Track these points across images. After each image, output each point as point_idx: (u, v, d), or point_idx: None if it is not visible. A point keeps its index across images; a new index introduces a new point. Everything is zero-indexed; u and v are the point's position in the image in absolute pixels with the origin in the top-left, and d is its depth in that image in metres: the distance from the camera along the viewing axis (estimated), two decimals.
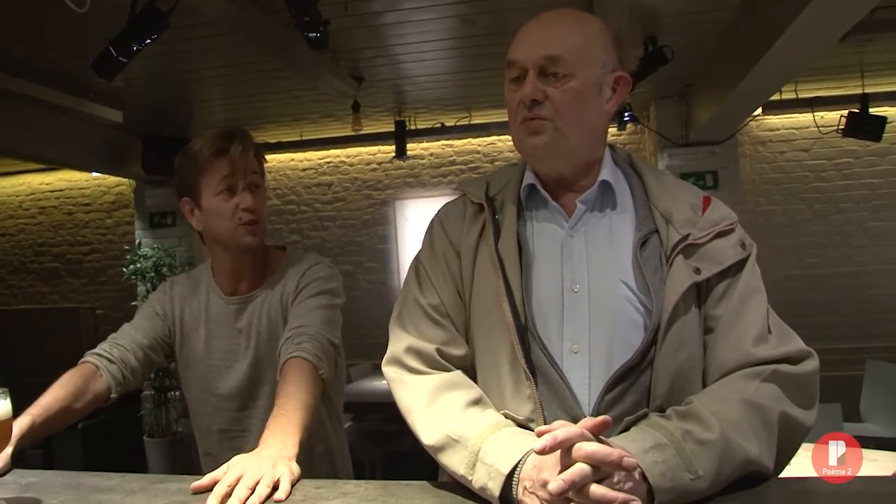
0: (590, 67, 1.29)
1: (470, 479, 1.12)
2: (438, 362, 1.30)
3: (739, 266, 1.27)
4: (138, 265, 6.24)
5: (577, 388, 1.22)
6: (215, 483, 1.22)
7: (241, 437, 1.92)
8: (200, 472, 1.27)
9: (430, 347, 1.30)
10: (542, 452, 0.98)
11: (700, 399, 1.15)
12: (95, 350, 1.85)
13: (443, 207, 1.48)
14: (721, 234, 1.27)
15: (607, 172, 1.35)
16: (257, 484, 1.20)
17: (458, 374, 1.29)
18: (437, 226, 1.44)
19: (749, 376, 1.17)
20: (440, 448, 1.19)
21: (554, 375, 1.22)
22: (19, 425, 1.46)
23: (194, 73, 5.00)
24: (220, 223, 1.88)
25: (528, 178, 1.37)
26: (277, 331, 1.88)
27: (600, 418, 1.03)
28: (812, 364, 1.22)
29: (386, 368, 1.34)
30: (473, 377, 1.32)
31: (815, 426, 1.22)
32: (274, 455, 1.30)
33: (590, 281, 1.27)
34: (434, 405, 1.23)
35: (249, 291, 1.96)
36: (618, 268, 1.27)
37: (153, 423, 6.28)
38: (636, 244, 1.28)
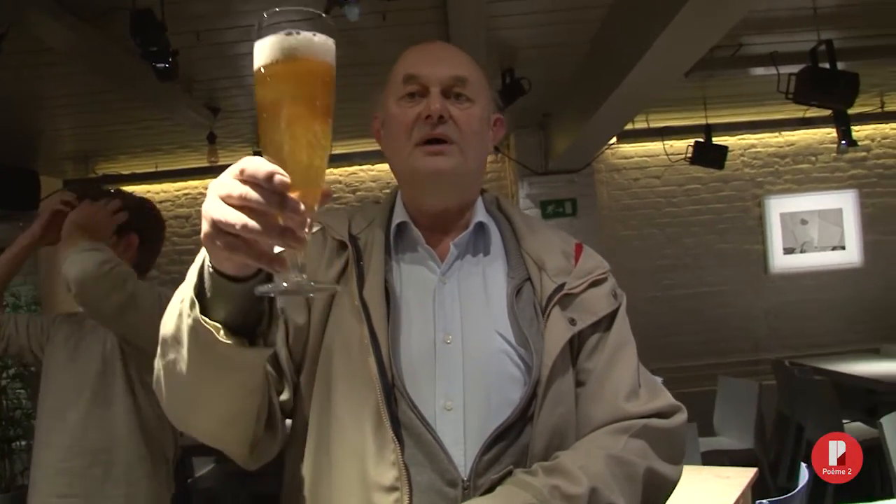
0: (485, 100, 1.26)
1: (177, 324, 0.94)
2: None
3: (611, 317, 1.24)
4: None
5: (451, 449, 1.10)
6: None
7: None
8: None
9: None
10: None
11: (567, 454, 1.11)
12: None
13: None
14: (595, 284, 1.24)
15: (481, 215, 1.29)
16: None
17: None
18: None
19: (618, 431, 1.14)
20: (163, 329, 0.97)
21: (426, 436, 1.10)
22: None
23: (38, 102, 4.69)
24: None
25: (399, 216, 1.27)
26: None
27: None
28: (681, 418, 1.20)
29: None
30: (303, 431, 1.18)
31: None
32: None
33: (463, 332, 1.18)
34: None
35: None
36: (493, 318, 1.20)
37: None
38: (511, 293, 1.21)
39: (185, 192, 6.83)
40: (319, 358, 1.19)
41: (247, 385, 1.01)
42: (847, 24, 4.20)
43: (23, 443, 5.56)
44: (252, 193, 0.75)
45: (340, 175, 6.71)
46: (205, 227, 0.79)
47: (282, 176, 0.75)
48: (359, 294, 1.17)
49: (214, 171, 6.15)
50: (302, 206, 0.78)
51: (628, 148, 6.59)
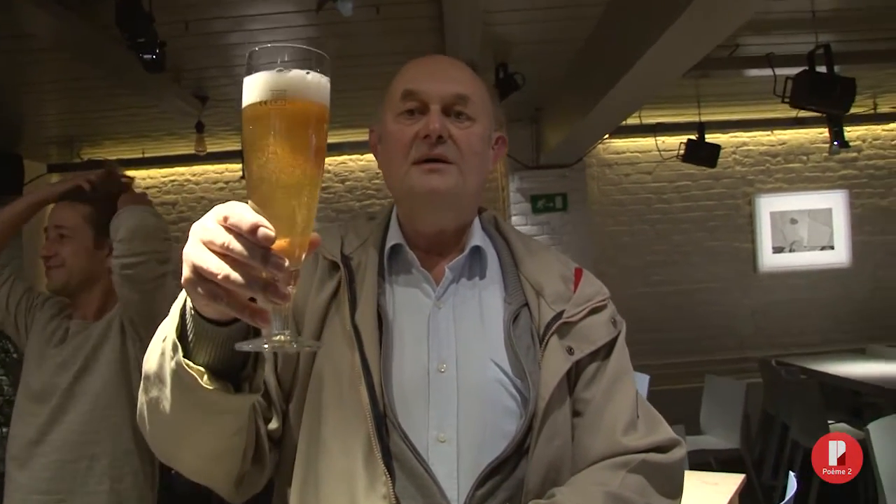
0: (487, 118, 1.21)
1: (160, 363, 0.91)
2: None
3: (610, 345, 1.20)
4: None
5: (444, 483, 1.06)
6: None
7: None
8: None
9: None
10: None
11: (563, 492, 1.07)
12: None
13: None
14: (594, 311, 1.19)
15: (478, 237, 1.24)
16: None
17: None
18: None
19: (616, 466, 1.10)
20: (146, 364, 0.94)
21: (418, 469, 1.06)
22: None
23: (23, 88, 4.61)
24: None
25: (394, 238, 1.22)
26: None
27: None
28: (680, 452, 1.16)
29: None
30: (291, 459, 1.14)
31: None
32: None
33: (458, 360, 1.13)
34: None
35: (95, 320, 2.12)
36: (488, 346, 1.15)
37: None
38: (508, 320, 1.16)
39: (172, 178, 6.73)
40: (309, 385, 1.14)
41: (232, 427, 0.97)
42: (844, 28, 4.18)
43: (5, 430, 5.50)
44: (235, 244, 0.72)
45: (330, 165, 6.64)
46: (185, 271, 0.75)
47: (266, 229, 0.71)
48: (351, 319, 1.12)
49: (203, 158, 6.11)
50: (286, 262, 0.74)
51: (620, 143, 6.56)
